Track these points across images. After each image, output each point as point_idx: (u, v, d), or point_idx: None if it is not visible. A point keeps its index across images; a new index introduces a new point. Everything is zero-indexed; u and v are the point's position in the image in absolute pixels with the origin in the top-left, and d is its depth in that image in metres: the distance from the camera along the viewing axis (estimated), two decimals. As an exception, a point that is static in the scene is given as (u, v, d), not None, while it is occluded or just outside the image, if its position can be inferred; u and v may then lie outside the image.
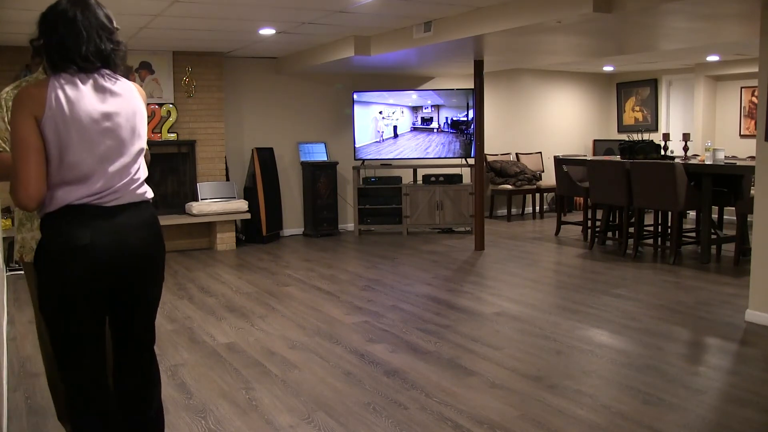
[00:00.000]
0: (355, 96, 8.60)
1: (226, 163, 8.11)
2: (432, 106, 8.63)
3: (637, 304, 5.05)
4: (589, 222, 7.57)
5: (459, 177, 8.63)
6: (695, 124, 9.68)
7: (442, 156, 8.66)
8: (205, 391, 3.49)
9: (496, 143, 9.95)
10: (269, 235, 8.21)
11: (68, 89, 1.98)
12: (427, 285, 5.83)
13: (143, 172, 2.17)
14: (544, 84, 10.65)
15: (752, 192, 5.18)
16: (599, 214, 7.56)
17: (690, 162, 6.68)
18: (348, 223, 9.05)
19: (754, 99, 8.98)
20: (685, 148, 7.20)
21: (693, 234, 7.27)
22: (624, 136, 10.11)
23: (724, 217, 7.60)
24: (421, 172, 8.85)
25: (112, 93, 2.06)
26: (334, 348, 4.14)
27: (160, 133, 7.59)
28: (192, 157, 7.84)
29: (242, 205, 7.80)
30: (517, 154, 10.33)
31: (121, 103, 2.08)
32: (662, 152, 7.19)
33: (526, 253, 7.25)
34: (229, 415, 3.17)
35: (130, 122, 2.09)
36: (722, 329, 4.44)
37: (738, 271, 6.10)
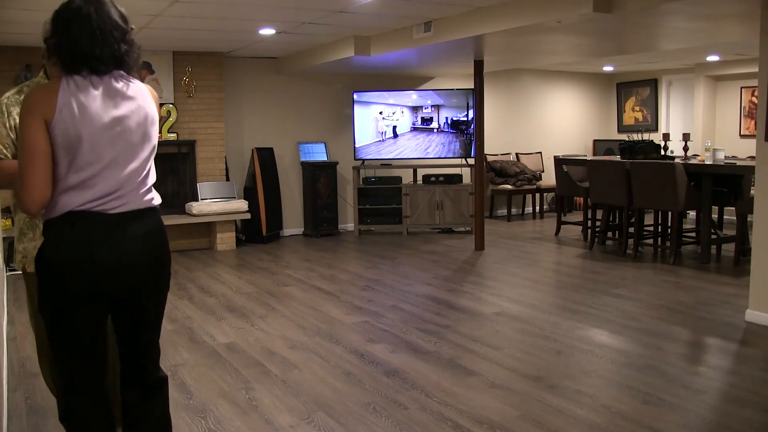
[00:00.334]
0: (355, 96, 8.60)
1: (226, 163, 8.11)
2: (432, 106, 8.63)
3: (637, 304, 5.05)
4: (589, 222, 7.57)
5: (459, 177, 8.63)
6: (695, 124, 9.68)
7: (442, 156, 8.66)
8: (205, 391, 3.49)
9: (496, 143, 9.95)
10: (269, 235, 8.21)
11: (80, 92, 1.94)
12: (427, 285, 5.83)
13: (151, 178, 2.12)
14: (544, 84, 10.65)
15: (752, 192, 5.18)
16: (599, 214, 7.56)
17: (690, 162, 6.68)
18: (348, 223, 9.05)
19: (754, 99, 8.98)
20: (685, 148, 7.20)
21: (693, 234, 7.27)
22: (624, 136, 10.11)
23: (724, 217, 7.60)
24: (421, 172, 8.85)
25: (124, 96, 2.01)
26: (334, 348, 4.14)
27: (160, 133, 7.59)
28: (192, 157, 7.85)
29: (242, 205, 7.80)
30: (517, 154, 10.33)
31: (133, 107, 2.03)
32: (662, 152, 7.19)
33: (526, 253, 7.25)
34: (229, 415, 3.17)
35: (141, 126, 2.04)
36: (722, 329, 4.44)
37: (738, 271, 6.10)
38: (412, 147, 8.66)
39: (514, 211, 10.10)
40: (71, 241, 1.96)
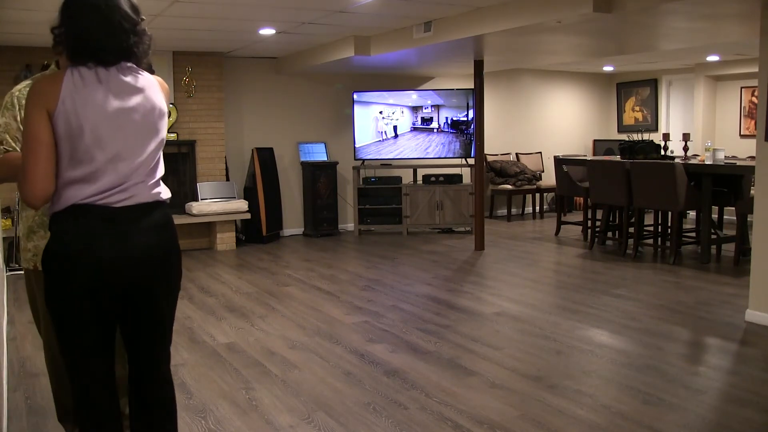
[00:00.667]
0: (355, 96, 8.60)
1: (226, 163, 8.11)
2: (432, 106, 8.63)
3: (637, 304, 5.05)
4: (589, 222, 7.57)
5: (459, 177, 8.63)
6: (695, 124, 9.69)
7: (442, 156, 8.66)
8: (205, 391, 3.49)
9: (496, 143, 9.95)
10: (269, 235, 8.21)
11: (84, 83, 1.90)
12: (427, 285, 5.83)
13: (159, 171, 2.07)
14: (544, 84, 10.65)
15: (752, 192, 5.18)
16: (599, 214, 7.56)
17: (690, 162, 6.68)
18: (348, 223, 9.05)
19: (754, 99, 8.98)
20: (685, 148, 7.20)
21: (693, 234, 7.27)
22: (624, 136, 10.11)
23: (724, 217, 7.60)
24: (421, 172, 8.85)
25: (130, 88, 1.97)
26: (334, 348, 4.14)
27: (160, 133, 7.60)
28: (192, 157, 7.85)
29: (242, 205, 7.80)
30: (517, 154, 10.33)
31: (140, 99, 1.98)
32: (662, 152, 7.19)
33: (526, 253, 7.25)
34: (229, 415, 3.17)
35: (147, 119, 2.00)
36: (722, 329, 4.44)
37: (738, 271, 6.10)
38: (412, 147, 8.66)
39: (514, 211, 10.10)
40: (74, 234, 1.93)
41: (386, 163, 8.78)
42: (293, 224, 8.79)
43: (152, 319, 2.13)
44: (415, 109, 8.66)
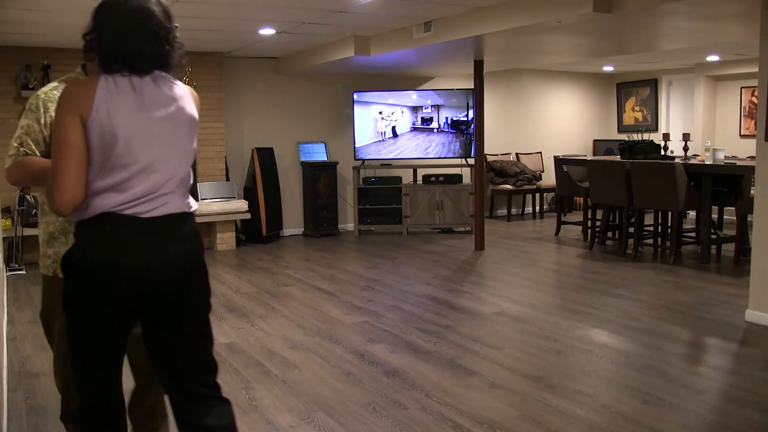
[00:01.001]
0: (355, 96, 8.60)
1: (226, 163, 8.11)
2: (432, 106, 8.63)
3: (637, 304, 5.05)
4: (589, 222, 7.57)
5: (459, 177, 8.63)
6: (695, 124, 9.69)
7: (442, 156, 8.66)
8: (205, 391, 3.48)
9: (496, 143, 9.95)
10: (269, 235, 8.21)
11: (118, 90, 1.85)
12: (427, 285, 5.83)
13: (188, 182, 2.02)
14: (544, 84, 10.65)
15: (752, 192, 5.18)
16: (599, 214, 7.56)
17: (690, 162, 6.68)
18: (348, 223, 9.05)
19: (754, 99, 8.98)
20: (685, 148, 7.20)
21: (693, 234, 7.27)
22: (624, 136, 10.11)
23: (724, 217, 7.60)
24: (421, 172, 8.85)
25: (164, 98, 1.92)
26: (334, 348, 4.14)
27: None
28: (192, 157, 7.84)
29: (242, 205, 7.80)
30: (517, 154, 10.33)
31: (173, 109, 1.93)
32: (662, 152, 7.19)
33: (526, 253, 7.25)
34: (229, 415, 3.17)
35: (181, 129, 1.95)
36: (722, 329, 4.44)
37: (738, 271, 6.10)
38: (412, 147, 8.66)
39: (514, 211, 10.10)
40: (100, 244, 1.88)
41: (386, 163, 8.78)
42: (293, 224, 8.79)
43: (184, 335, 2.05)
44: (415, 109, 8.66)
